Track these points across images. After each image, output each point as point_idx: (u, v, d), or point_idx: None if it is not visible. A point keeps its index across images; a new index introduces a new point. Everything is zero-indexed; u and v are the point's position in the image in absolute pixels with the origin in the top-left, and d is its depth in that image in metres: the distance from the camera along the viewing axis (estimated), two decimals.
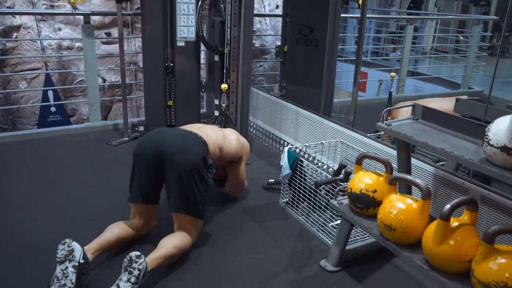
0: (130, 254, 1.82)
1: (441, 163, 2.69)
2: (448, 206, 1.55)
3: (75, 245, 1.88)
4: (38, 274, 2.02)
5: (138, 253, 1.83)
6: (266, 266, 2.19)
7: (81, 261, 1.87)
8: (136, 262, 1.80)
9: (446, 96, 4.78)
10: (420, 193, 1.74)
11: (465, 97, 3.54)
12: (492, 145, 1.56)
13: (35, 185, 2.97)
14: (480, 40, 6.24)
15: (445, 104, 3.26)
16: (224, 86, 3.00)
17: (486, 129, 1.61)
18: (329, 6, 3.37)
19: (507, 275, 1.37)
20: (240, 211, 2.74)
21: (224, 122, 3.19)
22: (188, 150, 2.14)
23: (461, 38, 7.11)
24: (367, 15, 3.77)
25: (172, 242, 2.08)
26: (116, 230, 2.14)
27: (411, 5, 7.66)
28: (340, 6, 3.50)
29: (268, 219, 2.65)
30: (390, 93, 3.73)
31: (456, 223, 1.60)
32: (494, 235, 1.41)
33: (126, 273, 1.79)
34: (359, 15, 3.51)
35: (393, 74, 3.88)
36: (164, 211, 2.33)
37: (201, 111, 4.24)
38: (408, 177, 1.87)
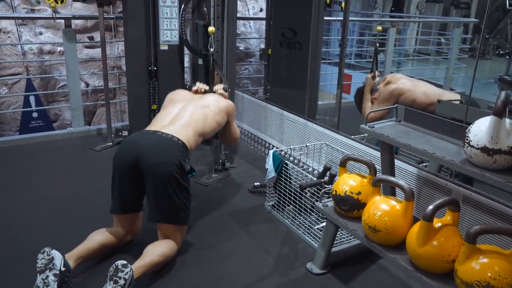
0: (116, 263, 1.79)
1: (424, 164, 2.72)
2: (430, 207, 1.56)
3: (55, 253, 1.84)
4: (18, 285, 1.97)
5: (124, 262, 1.80)
6: (253, 270, 2.18)
7: (62, 269, 1.83)
8: (122, 271, 1.77)
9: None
10: (403, 194, 1.75)
11: (458, 96, 3.57)
12: (472, 146, 1.58)
13: (16, 192, 2.91)
14: (461, 42, 6.35)
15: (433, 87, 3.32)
16: (211, 28, 2.93)
17: (467, 130, 1.63)
18: (312, 9, 3.39)
19: (489, 274, 1.39)
20: (225, 215, 2.73)
21: (212, 67, 3.11)
22: (163, 161, 2.08)
23: (442, 40, 7.23)
24: (350, 18, 3.80)
25: (157, 250, 2.05)
26: (98, 237, 2.10)
27: (393, 8, 7.76)
28: (323, 9, 3.52)
29: (254, 223, 2.64)
30: (376, 47, 3.71)
31: (439, 224, 1.61)
32: (476, 235, 1.43)
33: (112, 282, 1.76)
34: (342, 18, 3.54)
35: (379, 28, 3.88)
36: (148, 220, 2.29)
37: None
38: (392, 178, 1.89)
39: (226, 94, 2.80)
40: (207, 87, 2.79)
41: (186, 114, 2.39)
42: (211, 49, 2.97)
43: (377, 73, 3.48)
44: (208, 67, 3.33)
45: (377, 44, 3.71)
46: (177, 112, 2.41)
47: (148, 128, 2.30)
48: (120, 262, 1.79)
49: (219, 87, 2.80)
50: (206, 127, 2.42)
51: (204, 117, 2.43)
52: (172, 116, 2.37)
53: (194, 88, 2.75)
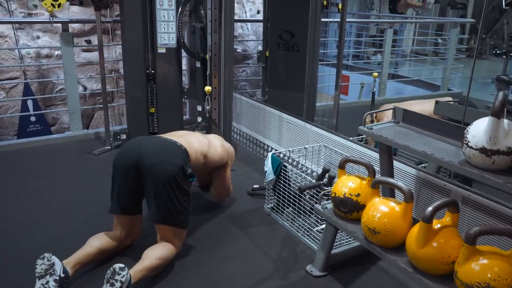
0: (113, 266, 1.79)
1: (423, 165, 2.72)
2: (430, 208, 1.56)
3: (55, 259, 1.84)
4: None
5: (121, 265, 1.80)
6: (252, 273, 2.18)
7: (62, 275, 1.83)
8: (119, 274, 1.77)
9: (427, 98, 4.85)
10: (403, 195, 1.75)
11: (449, 98, 3.59)
12: (471, 147, 1.58)
13: (15, 196, 2.90)
14: (458, 42, 6.37)
15: (428, 106, 3.32)
16: (207, 88, 2.98)
17: (465, 131, 1.63)
18: (309, 11, 3.40)
19: (489, 275, 1.39)
20: (225, 218, 2.72)
21: (208, 125, 3.17)
22: (165, 160, 2.10)
23: (439, 41, 7.24)
24: (347, 19, 3.81)
25: (155, 253, 2.05)
26: (96, 243, 2.10)
27: (390, 7, 7.77)
28: (320, 10, 3.53)
29: (253, 225, 2.64)
30: (373, 94, 3.74)
31: (439, 225, 1.61)
32: (475, 236, 1.42)
33: (108, 284, 1.76)
34: (339, 20, 3.55)
35: (375, 74, 3.91)
36: (148, 221, 2.29)
37: (184, 117, 4.22)
38: (391, 180, 1.89)
39: None
40: None
41: (192, 136, 2.45)
42: (207, 107, 3.06)
43: (374, 116, 3.49)
44: (206, 69, 3.33)
45: (374, 90, 3.71)
46: (182, 134, 2.48)
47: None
48: (117, 265, 1.79)
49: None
50: (210, 152, 2.47)
51: (209, 143, 2.50)
52: (177, 135, 2.42)
53: None
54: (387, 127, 2.12)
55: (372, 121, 3.41)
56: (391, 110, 3.19)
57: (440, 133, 1.95)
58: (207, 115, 3.10)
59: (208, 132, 3.13)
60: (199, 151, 2.36)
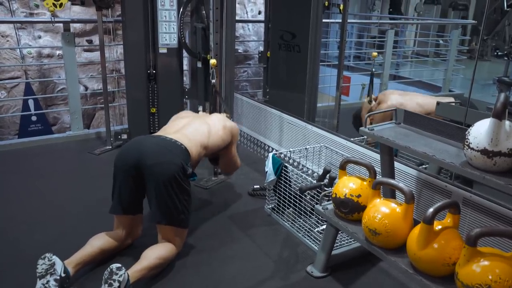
0: (110, 266, 1.79)
1: (424, 166, 2.72)
2: (431, 210, 1.56)
3: (56, 259, 1.84)
4: None
5: (118, 265, 1.80)
6: (253, 273, 2.18)
7: (63, 275, 1.83)
8: (117, 274, 1.77)
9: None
10: (403, 197, 1.75)
11: (451, 99, 3.58)
12: (472, 148, 1.58)
13: (16, 196, 2.90)
14: (459, 43, 6.37)
15: (430, 100, 3.32)
16: (213, 61, 2.96)
17: (466, 132, 1.63)
18: (310, 12, 3.39)
19: (490, 277, 1.39)
20: (226, 218, 2.72)
21: (214, 98, 3.13)
22: (165, 161, 2.10)
23: (441, 42, 7.24)
24: (349, 20, 3.80)
25: (155, 253, 2.05)
26: (98, 243, 2.10)
27: (390, 10, 7.77)
28: (322, 11, 3.52)
29: (254, 226, 2.64)
30: (372, 74, 3.72)
31: (440, 227, 1.61)
32: (476, 238, 1.42)
33: (106, 285, 1.76)
34: (340, 20, 3.55)
35: (374, 54, 3.90)
36: (149, 220, 2.29)
37: None
38: (392, 181, 1.88)
39: None
40: None
41: (191, 127, 2.44)
42: (213, 81, 3.01)
43: (373, 97, 3.50)
44: (207, 70, 3.33)
45: (373, 70, 3.71)
46: (182, 125, 2.46)
47: (152, 135, 2.35)
48: (114, 265, 1.79)
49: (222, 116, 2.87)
50: (210, 140, 2.47)
51: (209, 132, 2.49)
52: (177, 128, 2.42)
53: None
54: (388, 128, 2.12)
55: (370, 101, 3.42)
56: (392, 96, 3.18)
57: (441, 134, 1.95)
58: (213, 89, 3.06)
59: (214, 107, 3.10)
60: (199, 145, 2.36)
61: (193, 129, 2.43)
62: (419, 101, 3.26)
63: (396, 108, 2.21)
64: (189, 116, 2.64)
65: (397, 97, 3.33)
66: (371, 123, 3.13)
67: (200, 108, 2.84)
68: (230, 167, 2.86)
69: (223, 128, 2.61)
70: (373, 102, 3.47)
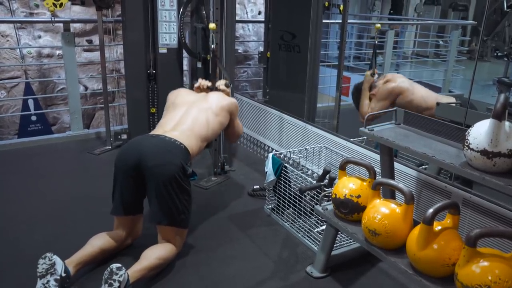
0: (110, 266, 1.79)
1: (423, 166, 2.72)
2: (430, 210, 1.56)
3: (56, 259, 1.84)
4: None
5: (118, 265, 1.80)
6: (252, 274, 2.18)
7: (63, 274, 1.83)
8: (117, 274, 1.77)
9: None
10: (403, 197, 1.75)
11: (453, 99, 3.58)
12: (472, 149, 1.58)
13: (16, 195, 2.90)
14: (459, 44, 6.36)
15: (432, 93, 3.32)
16: (212, 25, 2.89)
17: (466, 133, 1.63)
18: (310, 12, 3.40)
19: (489, 277, 1.39)
20: (225, 218, 2.72)
21: (213, 64, 3.08)
22: (165, 162, 2.09)
23: (441, 42, 7.24)
24: (349, 21, 3.80)
25: (155, 253, 2.05)
26: (98, 242, 2.10)
27: (391, 11, 7.77)
28: (322, 12, 3.52)
29: (253, 226, 2.64)
30: (375, 46, 3.72)
31: (439, 227, 1.61)
32: (476, 239, 1.42)
33: (106, 285, 1.76)
34: (340, 21, 3.55)
35: (378, 25, 3.89)
36: (149, 220, 2.29)
37: None
38: (391, 182, 1.88)
39: (228, 90, 2.79)
40: (209, 83, 2.75)
41: (189, 119, 2.40)
42: (212, 45, 2.94)
43: (376, 70, 3.48)
44: (207, 70, 3.33)
45: (376, 42, 3.71)
46: (179, 117, 2.41)
47: (150, 133, 2.32)
48: (114, 265, 1.79)
49: (220, 83, 2.80)
50: (209, 131, 2.44)
51: (207, 122, 2.44)
52: (175, 122, 2.38)
53: (196, 85, 2.73)
54: (388, 128, 2.12)
55: (372, 74, 3.39)
56: (400, 79, 3.15)
57: (441, 135, 1.95)
58: (213, 54, 2.99)
59: (214, 73, 3.04)
60: (199, 139, 2.34)
61: (191, 121, 2.38)
62: (423, 94, 3.24)
63: (396, 108, 2.21)
64: (186, 102, 2.54)
65: (404, 81, 3.30)
66: (370, 99, 3.10)
67: (197, 82, 2.70)
68: (234, 137, 2.84)
69: (220, 111, 2.53)
70: (376, 76, 3.43)
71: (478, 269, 1.42)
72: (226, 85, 2.79)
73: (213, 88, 2.77)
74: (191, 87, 3.79)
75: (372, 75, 3.43)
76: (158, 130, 2.34)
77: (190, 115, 2.43)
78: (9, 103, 5.46)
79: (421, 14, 7.68)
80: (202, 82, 2.72)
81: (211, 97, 2.62)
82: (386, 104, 3.22)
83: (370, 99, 3.38)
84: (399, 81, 3.29)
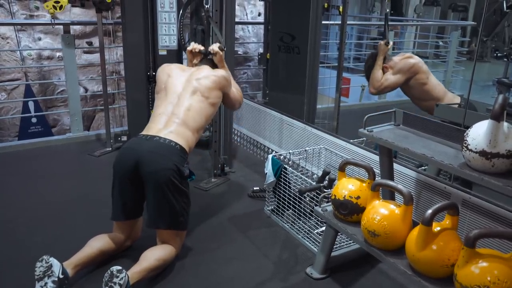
0: (111, 268, 1.79)
1: (423, 168, 2.72)
2: (429, 211, 1.56)
3: (53, 261, 1.84)
4: None
5: (119, 267, 1.80)
6: (252, 275, 2.18)
7: (61, 276, 1.83)
8: (117, 276, 1.77)
9: None
10: (402, 198, 1.75)
11: (459, 98, 3.57)
12: (471, 150, 1.58)
13: (16, 197, 2.91)
14: (459, 45, 6.36)
15: None
16: None
17: (465, 134, 1.63)
18: (310, 14, 3.40)
19: (489, 278, 1.39)
20: (225, 219, 2.72)
21: (207, 24, 3.01)
22: (160, 168, 2.07)
23: (440, 43, 7.24)
24: (348, 22, 3.81)
25: (154, 255, 2.05)
26: (97, 244, 2.10)
27: (391, 11, 7.76)
28: (321, 13, 3.53)
29: (253, 227, 2.64)
30: (387, 14, 3.60)
31: (438, 228, 1.61)
32: (475, 239, 1.42)
33: (107, 287, 1.76)
34: (340, 22, 3.55)
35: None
36: (147, 224, 2.29)
37: None
38: (390, 183, 1.88)
39: (221, 53, 2.57)
40: (202, 48, 2.60)
41: (181, 111, 2.28)
42: (206, 6, 2.82)
43: (389, 40, 3.34)
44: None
45: (388, 10, 3.62)
46: (171, 111, 2.30)
47: (145, 132, 2.25)
48: (115, 268, 1.79)
49: (214, 46, 2.57)
50: (202, 119, 2.34)
51: (199, 110, 2.32)
52: (168, 116, 2.28)
53: (189, 48, 2.59)
54: (387, 129, 2.12)
55: (387, 43, 3.24)
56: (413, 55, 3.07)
57: (440, 136, 1.96)
58: (206, 15, 2.88)
59: (208, 34, 2.95)
60: (195, 131, 2.28)
61: (184, 114, 2.27)
62: (435, 83, 3.19)
63: (395, 109, 2.21)
64: (178, 85, 2.39)
65: (423, 63, 3.24)
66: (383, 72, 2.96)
67: (190, 45, 2.59)
68: (235, 106, 2.70)
69: (210, 91, 2.38)
70: (390, 43, 3.30)
71: (477, 270, 1.42)
72: (220, 48, 2.56)
73: (206, 52, 2.60)
74: None
75: (387, 44, 3.26)
76: (152, 128, 2.24)
77: (182, 106, 2.30)
78: (9, 105, 5.46)
79: (421, 15, 7.68)
80: (195, 46, 2.57)
81: (199, 75, 2.44)
82: (402, 79, 3.13)
83: (384, 72, 3.25)
84: (419, 60, 3.23)
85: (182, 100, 2.33)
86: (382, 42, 3.27)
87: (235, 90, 2.64)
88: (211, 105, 2.39)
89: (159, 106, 2.38)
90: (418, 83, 3.11)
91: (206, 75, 2.43)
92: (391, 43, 3.32)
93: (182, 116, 2.27)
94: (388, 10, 3.60)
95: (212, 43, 2.82)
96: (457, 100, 3.21)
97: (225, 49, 2.67)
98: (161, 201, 2.08)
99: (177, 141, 2.18)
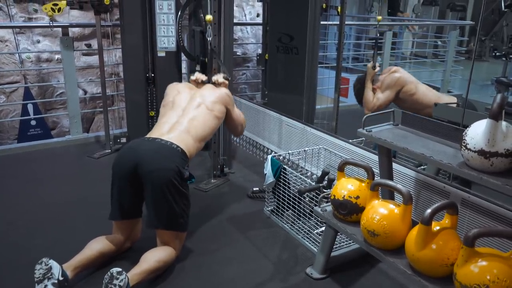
0: (111, 270, 1.79)
1: (422, 167, 2.72)
2: (429, 210, 1.56)
3: (53, 263, 1.84)
4: None
5: (119, 269, 1.80)
6: (252, 276, 2.18)
7: (60, 278, 1.83)
8: (117, 278, 1.77)
9: None
10: (402, 198, 1.75)
11: (455, 99, 3.58)
12: (469, 149, 1.59)
13: (15, 200, 2.90)
14: (458, 44, 6.37)
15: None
16: (209, 17, 2.88)
17: (464, 133, 1.64)
18: (308, 14, 3.40)
19: (488, 277, 1.39)
20: (224, 220, 2.72)
21: (210, 58, 3.10)
22: (162, 167, 2.08)
23: (439, 43, 7.25)
24: (347, 22, 3.81)
25: (154, 256, 2.05)
26: (97, 246, 2.10)
27: (389, 11, 7.78)
28: (320, 13, 3.54)
29: (253, 228, 2.64)
30: (376, 39, 3.73)
31: (438, 227, 1.61)
32: (474, 238, 1.42)
33: None
34: (338, 22, 3.55)
35: (379, 17, 3.91)
36: (147, 225, 2.29)
37: None
38: (390, 182, 1.88)
39: (226, 83, 2.70)
40: (205, 78, 2.68)
41: (185, 120, 2.36)
42: (209, 38, 2.92)
43: (377, 63, 3.50)
44: (205, 73, 3.33)
45: (378, 34, 3.72)
46: (176, 120, 2.37)
47: (147, 136, 2.30)
48: (115, 270, 1.79)
49: (219, 76, 2.70)
50: (206, 129, 2.40)
51: (204, 121, 2.40)
52: (172, 124, 2.35)
53: (192, 78, 2.66)
54: (386, 129, 2.13)
55: (374, 67, 3.40)
56: (405, 73, 3.16)
57: (439, 135, 1.96)
58: (210, 48, 2.97)
59: (210, 64, 3.05)
60: (197, 140, 2.32)
61: (188, 122, 2.34)
62: (425, 91, 3.27)
63: (394, 109, 2.22)
64: (183, 100, 2.49)
65: (409, 75, 3.34)
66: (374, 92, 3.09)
67: (194, 75, 2.68)
68: (237, 129, 2.77)
69: (213, 105, 2.47)
70: (377, 68, 3.45)
71: (477, 269, 1.42)
72: (225, 78, 2.70)
73: (209, 83, 2.70)
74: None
75: (374, 67, 3.44)
76: (155, 133, 2.30)
77: (187, 116, 2.38)
78: (8, 108, 5.46)
79: (419, 14, 7.69)
80: (198, 76, 2.66)
81: (203, 92, 2.56)
82: (392, 95, 3.25)
83: (374, 92, 3.39)
84: (404, 72, 3.33)
85: (187, 111, 2.42)
86: (369, 65, 3.43)
87: (237, 112, 2.74)
88: (215, 118, 2.48)
89: (163, 116, 2.45)
90: (407, 94, 3.22)
91: (210, 91, 2.57)
92: (378, 67, 3.46)
93: (186, 125, 2.34)
94: (378, 35, 3.69)
95: (214, 73, 2.98)
96: (453, 100, 3.24)
97: (229, 78, 2.80)
98: (161, 202, 2.08)
99: (178, 144, 2.20)
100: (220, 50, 3.19)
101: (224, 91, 2.61)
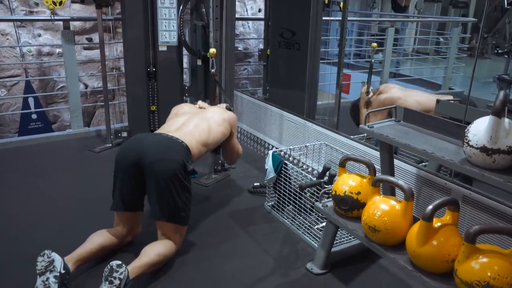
0: (110, 263, 1.79)
1: (423, 163, 2.72)
2: (430, 207, 1.56)
3: (55, 256, 1.84)
4: (19, 286, 1.98)
5: (119, 262, 1.80)
6: (253, 271, 2.18)
7: (62, 271, 1.83)
8: (117, 271, 1.77)
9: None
10: (403, 194, 1.75)
11: (450, 97, 3.60)
12: (471, 146, 1.58)
13: (16, 193, 2.91)
14: (460, 41, 6.35)
15: (427, 97, 3.37)
16: (212, 50, 2.97)
17: (466, 130, 1.63)
18: (310, 10, 3.39)
19: (489, 274, 1.39)
20: (225, 215, 2.73)
21: (213, 88, 3.18)
22: (167, 158, 2.11)
23: (441, 40, 7.23)
24: (349, 18, 3.80)
25: (154, 250, 2.06)
26: (98, 239, 2.10)
27: (393, 5, 7.74)
28: (322, 9, 3.52)
29: (254, 223, 2.64)
30: (371, 64, 3.79)
31: (439, 224, 1.61)
32: (475, 235, 1.43)
33: (107, 282, 1.76)
34: (340, 18, 3.54)
35: (374, 44, 3.96)
36: (149, 217, 2.30)
37: None
38: (391, 178, 1.89)
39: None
40: (206, 105, 2.86)
41: (191, 124, 2.44)
42: (212, 70, 3.01)
43: (370, 88, 3.56)
44: (207, 68, 3.33)
45: (372, 61, 3.80)
46: (182, 122, 2.46)
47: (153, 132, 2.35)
48: (114, 262, 1.80)
49: (221, 106, 2.88)
50: (210, 138, 2.48)
51: (209, 129, 2.49)
52: (177, 126, 2.42)
53: (196, 106, 2.81)
54: (388, 125, 2.12)
55: (367, 92, 3.48)
56: (393, 90, 3.23)
57: (441, 131, 1.95)
58: (213, 78, 3.06)
59: (214, 97, 3.16)
60: (200, 143, 2.37)
61: (193, 126, 2.43)
62: (418, 98, 3.29)
63: (395, 106, 2.21)
64: (188, 112, 2.62)
65: (397, 91, 3.39)
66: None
67: (198, 103, 2.82)
68: (234, 155, 2.88)
69: (222, 122, 2.62)
70: (371, 93, 3.52)
71: (477, 265, 1.42)
72: (228, 108, 2.85)
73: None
74: (191, 84, 3.80)
75: (367, 93, 3.55)
76: (160, 131, 2.37)
77: (192, 122, 2.48)
78: (9, 101, 5.46)
79: (422, 11, 7.66)
80: (201, 104, 2.82)
81: (212, 109, 2.74)
82: (384, 116, 3.27)
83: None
84: (390, 91, 3.37)
85: (193, 119, 2.51)
86: (363, 91, 3.54)
87: (237, 140, 2.86)
88: (221, 132, 2.58)
89: (168, 121, 2.56)
90: None
91: (220, 110, 2.73)
92: (371, 93, 3.54)
93: (191, 128, 2.41)
94: (372, 61, 3.76)
95: (216, 101, 3.16)
96: (449, 99, 3.28)
97: (232, 109, 2.93)
98: (164, 194, 2.09)
99: (183, 140, 2.24)
100: (222, 45, 3.18)
101: (232, 114, 2.78)
